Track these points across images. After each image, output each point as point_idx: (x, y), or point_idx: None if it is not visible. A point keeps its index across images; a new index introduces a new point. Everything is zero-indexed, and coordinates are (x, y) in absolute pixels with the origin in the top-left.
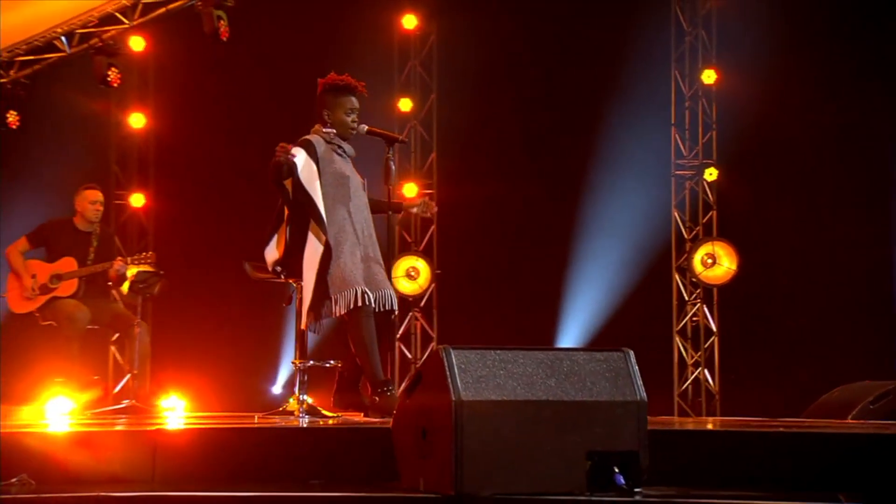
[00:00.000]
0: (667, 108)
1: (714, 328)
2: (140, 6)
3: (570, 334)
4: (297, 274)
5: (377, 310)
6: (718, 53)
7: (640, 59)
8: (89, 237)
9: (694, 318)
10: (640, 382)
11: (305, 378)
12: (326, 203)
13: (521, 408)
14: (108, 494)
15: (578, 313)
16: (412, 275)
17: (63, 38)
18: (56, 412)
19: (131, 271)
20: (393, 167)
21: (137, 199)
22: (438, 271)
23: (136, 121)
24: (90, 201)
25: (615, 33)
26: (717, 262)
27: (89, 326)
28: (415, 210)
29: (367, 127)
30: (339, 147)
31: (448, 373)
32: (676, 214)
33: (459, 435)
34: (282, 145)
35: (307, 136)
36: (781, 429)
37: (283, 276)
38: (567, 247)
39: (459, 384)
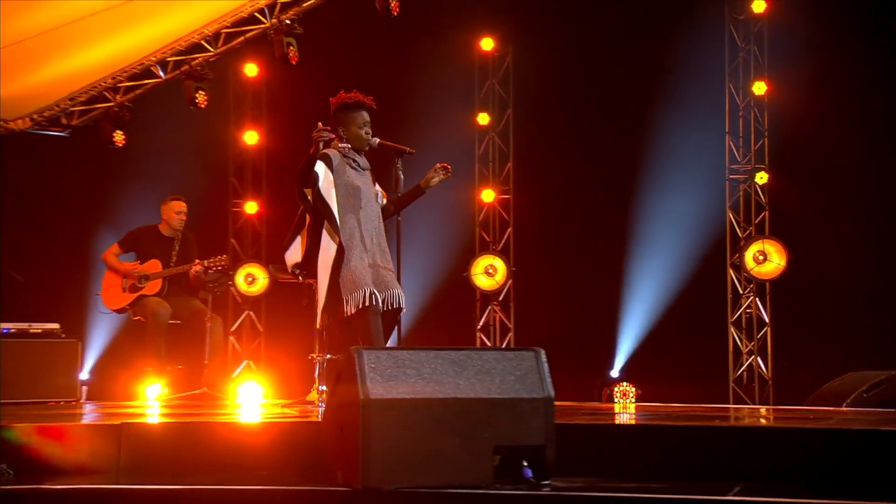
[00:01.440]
0: (721, 117)
1: (766, 319)
2: (223, 35)
3: (631, 325)
4: (315, 275)
5: (386, 308)
6: (770, 66)
7: (696, 74)
8: (173, 242)
9: (748, 311)
10: (548, 380)
11: (323, 370)
12: (339, 211)
13: (429, 405)
14: (77, 486)
15: (639, 304)
16: (490, 272)
17: (157, 66)
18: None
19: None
20: (401, 176)
21: (251, 207)
22: (514, 268)
23: (251, 138)
24: (175, 211)
25: (673, 50)
26: (767, 259)
27: (171, 321)
28: (435, 182)
29: (378, 140)
30: (354, 160)
31: (358, 372)
32: (731, 215)
33: (367, 431)
34: (318, 128)
35: (326, 150)
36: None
37: (301, 278)
38: (628, 245)
39: (368, 383)
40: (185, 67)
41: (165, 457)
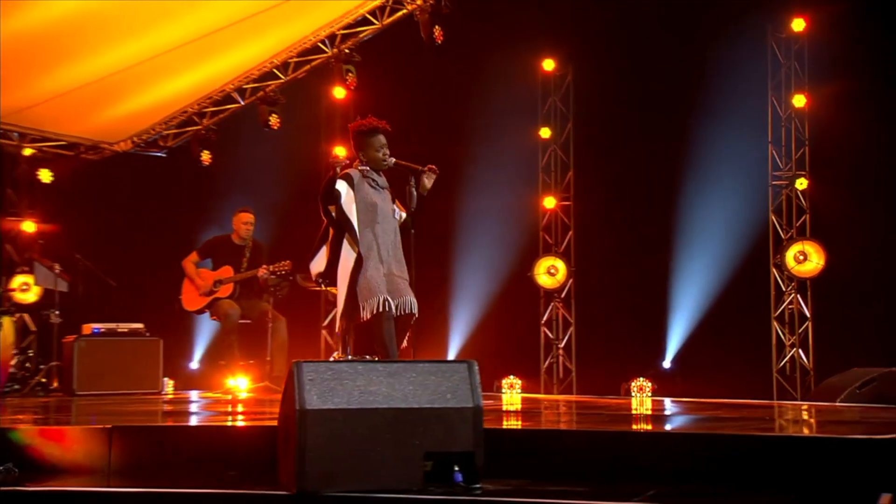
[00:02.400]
0: (763, 128)
1: (808, 314)
2: (291, 64)
3: (681, 319)
4: (336, 284)
5: (399, 314)
6: (809, 80)
7: (739, 88)
8: (243, 249)
9: (790, 307)
10: (478, 391)
11: None
12: (358, 226)
13: (362, 415)
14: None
15: (687, 301)
16: (552, 272)
17: (236, 92)
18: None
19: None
20: (414, 193)
21: None
22: (574, 269)
23: (342, 151)
24: (243, 222)
25: (719, 67)
26: (807, 259)
27: (242, 321)
28: (428, 184)
29: (395, 160)
30: (373, 180)
31: (297, 384)
32: (774, 218)
33: (302, 439)
34: (334, 156)
35: (348, 171)
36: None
37: (324, 286)
38: (677, 246)
39: (305, 394)
40: (260, 93)
41: (151, 457)
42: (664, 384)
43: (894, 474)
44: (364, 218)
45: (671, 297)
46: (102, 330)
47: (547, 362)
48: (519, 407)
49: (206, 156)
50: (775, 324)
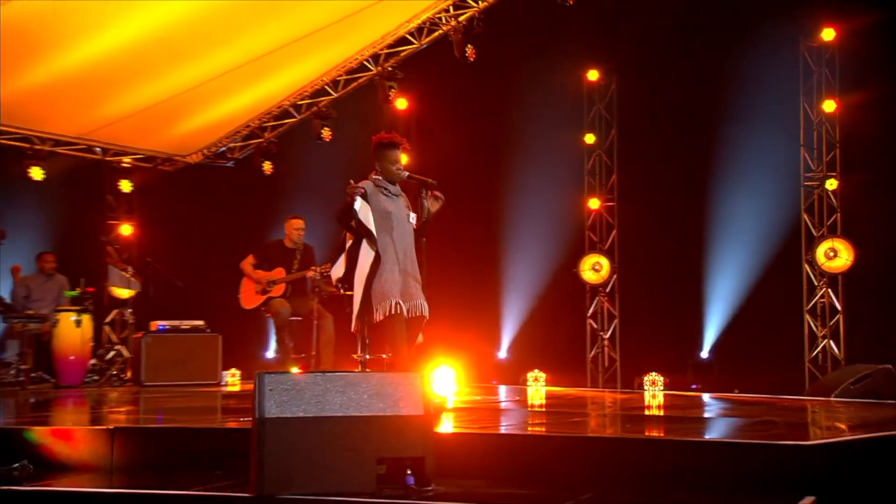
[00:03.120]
0: (796, 132)
1: (839, 307)
2: (341, 81)
3: (717, 313)
4: (353, 288)
5: (410, 316)
6: (840, 86)
7: (772, 95)
8: (294, 252)
9: (821, 300)
10: (428, 399)
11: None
12: (376, 231)
13: (318, 423)
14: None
15: (723, 295)
16: (596, 268)
17: (292, 108)
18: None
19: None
20: (426, 204)
21: None
22: (617, 265)
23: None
24: (294, 227)
25: (752, 75)
26: (837, 255)
27: (293, 318)
28: (435, 208)
29: (408, 173)
30: (386, 189)
31: (258, 394)
32: (806, 217)
33: (261, 446)
34: (350, 185)
35: (363, 183)
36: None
37: (342, 290)
38: (712, 244)
39: (265, 404)
40: (314, 108)
41: (148, 457)
42: (703, 374)
43: (818, 478)
44: (380, 224)
45: (708, 292)
46: (167, 327)
47: (593, 352)
48: (506, 404)
49: (267, 166)
50: (807, 317)
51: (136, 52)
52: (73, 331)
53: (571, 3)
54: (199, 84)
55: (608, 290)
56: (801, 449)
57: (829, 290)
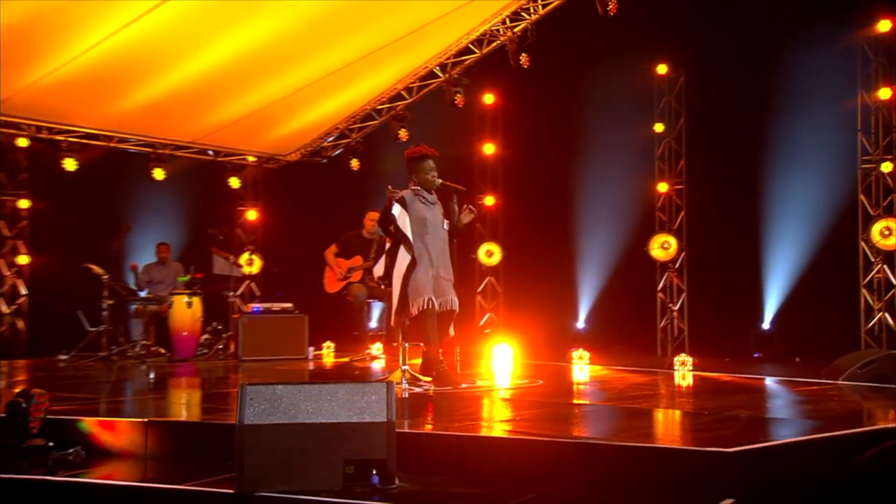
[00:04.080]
0: (854, 118)
1: (894, 282)
2: (414, 88)
3: (777, 286)
4: (392, 285)
5: (442, 310)
6: None
7: (832, 83)
8: (371, 242)
9: (877, 276)
10: (392, 407)
11: (406, 354)
12: (412, 236)
13: (292, 428)
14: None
15: (782, 270)
16: (665, 247)
17: (374, 112)
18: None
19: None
20: (456, 209)
21: (490, 200)
22: (684, 244)
23: (488, 148)
24: (370, 219)
25: (813, 64)
26: (892, 234)
27: (369, 300)
28: (465, 220)
29: (441, 181)
30: (424, 197)
31: (239, 403)
32: (863, 198)
33: (240, 449)
34: (389, 190)
35: (402, 193)
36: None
37: (384, 286)
38: (773, 223)
39: (245, 412)
40: (393, 112)
41: (180, 447)
42: (764, 344)
43: (738, 483)
44: (416, 230)
45: (769, 268)
46: (261, 309)
47: (662, 323)
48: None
49: (355, 163)
50: (864, 291)
51: (237, 66)
52: (185, 311)
53: (612, 12)
54: (294, 92)
55: (677, 266)
56: (721, 456)
57: (885, 266)
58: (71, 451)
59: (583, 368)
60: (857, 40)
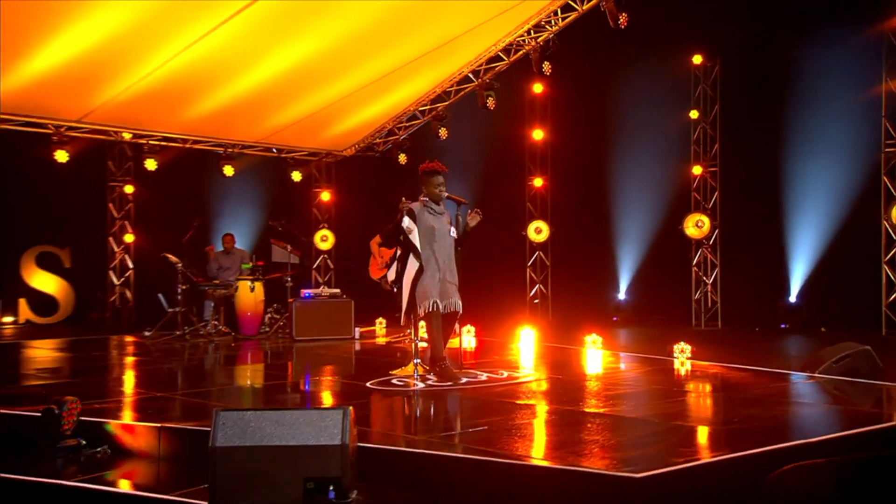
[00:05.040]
0: (877, 105)
1: None
2: (452, 91)
3: (802, 263)
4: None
5: (446, 311)
6: None
7: (857, 71)
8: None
9: None
10: (347, 431)
11: (417, 349)
12: (420, 244)
13: (259, 451)
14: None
15: (808, 247)
16: (699, 225)
17: (418, 112)
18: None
19: None
20: (461, 220)
21: (538, 181)
22: (717, 223)
23: (537, 134)
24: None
25: (841, 54)
26: None
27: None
28: (473, 223)
29: (447, 194)
30: (431, 208)
31: (212, 427)
32: (886, 180)
33: (212, 469)
34: (402, 202)
35: (411, 205)
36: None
37: (395, 289)
38: (803, 203)
39: (218, 435)
40: (434, 112)
41: (188, 450)
42: (792, 315)
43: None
44: (425, 237)
45: (796, 244)
46: (312, 294)
47: (697, 295)
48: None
49: (402, 158)
50: (885, 267)
51: (295, 75)
52: (248, 294)
53: (623, 25)
54: (347, 95)
55: (711, 242)
56: (628, 481)
57: None
58: (99, 449)
59: (587, 356)
60: (882, 31)
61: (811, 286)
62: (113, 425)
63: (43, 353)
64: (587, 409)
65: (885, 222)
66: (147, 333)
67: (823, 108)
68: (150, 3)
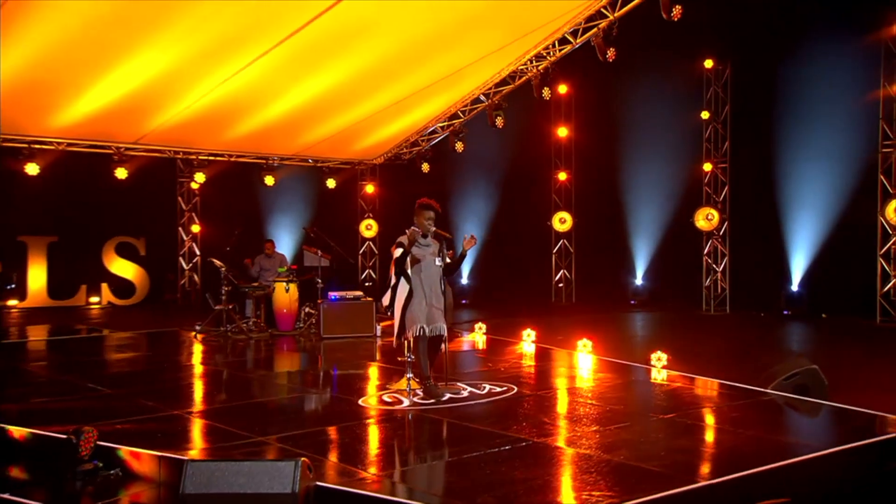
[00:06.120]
0: (877, 107)
1: None
2: (467, 109)
3: (803, 254)
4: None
5: (431, 335)
6: None
7: (856, 75)
8: (428, 238)
9: (894, 246)
10: (297, 481)
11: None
12: (410, 272)
13: (221, 497)
14: None
15: (808, 240)
16: (709, 218)
17: (439, 127)
18: None
19: None
20: (444, 253)
21: (563, 175)
22: (726, 216)
23: (562, 131)
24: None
25: (838, 60)
26: None
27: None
28: (468, 248)
29: (434, 229)
30: (419, 241)
31: (182, 476)
32: (883, 178)
33: None
34: (412, 231)
35: (401, 238)
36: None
37: (388, 314)
38: (804, 198)
39: (186, 482)
40: (451, 127)
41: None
42: (794, 303)
43: None
44: (413, 268)
45: (799, 237)
46: (337, 296)
47: (707, 282)
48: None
49: (425, 166)
50: (881, 260)
51: (325, 98)
52: (284, 294)
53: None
54: (376, 112)
55: (720, 233)
56: None
57: None
58: (112, 472)
59: (574, 363)
60: (881, 39)
61: (812, 276)
62: (123, 451)
63: (99, 356)
64: (537, 439)
65: (880, 218)
66: (197, 327)
67: (825, 111)
68: (192, 45)
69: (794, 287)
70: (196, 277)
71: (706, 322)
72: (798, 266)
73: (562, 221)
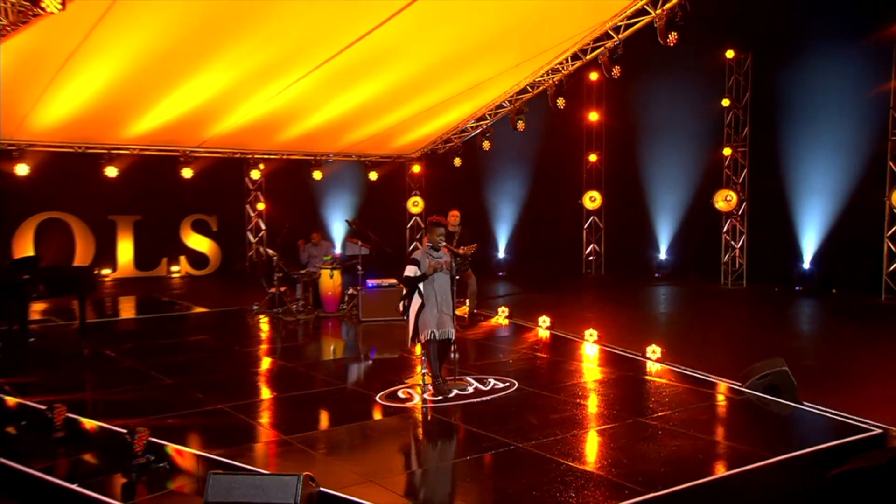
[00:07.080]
0: (886, 97)
1: None
2: (492, 113)
3: (814, 234)
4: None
5: (441, 339)
6: None
7: (867, 68)
8: (454, 234)
9: None
10: (299, 494)
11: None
12: (423, 284)
13: None
14: None
15: (819, 222)
16: (728, 199)
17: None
18: None
19: None
20: (453, 263)
21: (593, 157)
22: (744, 197)
23: (593, 116)
24: (453, 216)
25: (853, 51)
26: None
27: (457, 277)
28: (469, 253)
29: (444, 243)
30: (432, 254)
31: (206, 486)
32: (892, 165)
33: None
34: (421, 245)
35: (415, 255)
36: None
37: (404, 318)
38: (819, 183)
39: (208, 492)
40: (479, 129)
41: None
42: (805, 280)
43: None
44: (427, 278)
45: (811, 218)
46: (374, 284)
47: (726, 258)
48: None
49: (457, 161)
50: (888, 241)
51: (365, 106)
52: (328, 280)
53: (616, 76)
54: (409, 117)
55: (739, 213)
56: None
57: None
58: (162, 464)
59: (581, 352)
60: (893, 34)
61: (823, 255)
62: (170, 448)
63: (167, 338)
64: (520, 444)
65: (888, 202)
66: (255, 307)
67: (839, 101)
68: (245, 68)
69: (806, 265)
70: (262, 250)
71: (724, 296)
72: (810, 245)
73: (592, 200)
